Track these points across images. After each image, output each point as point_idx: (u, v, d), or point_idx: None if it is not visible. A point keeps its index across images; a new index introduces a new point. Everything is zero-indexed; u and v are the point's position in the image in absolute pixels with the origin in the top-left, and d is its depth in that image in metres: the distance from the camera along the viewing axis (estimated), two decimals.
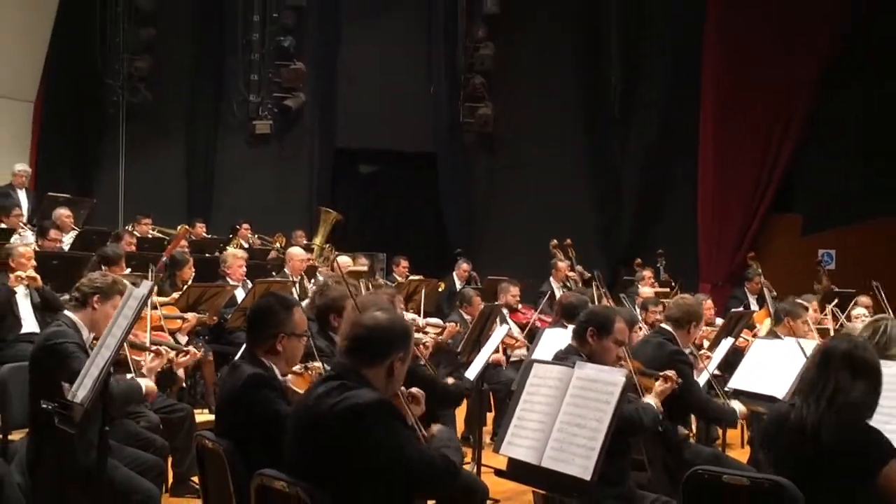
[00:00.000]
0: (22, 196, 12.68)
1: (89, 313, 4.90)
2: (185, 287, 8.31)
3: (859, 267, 14.48)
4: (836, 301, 10.08)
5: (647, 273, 12.54)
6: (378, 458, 3.26)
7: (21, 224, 10.65)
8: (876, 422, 3.75)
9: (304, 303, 8.79)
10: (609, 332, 4.72)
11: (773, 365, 5.64)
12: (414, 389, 3.68)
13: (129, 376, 4.95)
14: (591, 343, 4.74)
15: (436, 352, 8.10)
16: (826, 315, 9.58)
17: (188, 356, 5.78)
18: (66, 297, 6.55)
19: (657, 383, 5.02)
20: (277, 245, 13.56)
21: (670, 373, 5.07)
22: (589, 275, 13.10)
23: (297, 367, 4.35)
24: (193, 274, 8.83)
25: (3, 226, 10.52)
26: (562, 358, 4.68)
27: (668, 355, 5.39)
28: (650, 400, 4.91)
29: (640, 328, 7.75)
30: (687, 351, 5.72)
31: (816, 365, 3.74)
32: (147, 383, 4.97)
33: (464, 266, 13.07)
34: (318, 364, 4.49)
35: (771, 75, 15.51)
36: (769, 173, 15.82)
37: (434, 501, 4.95)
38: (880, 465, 3.51)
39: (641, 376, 5.06)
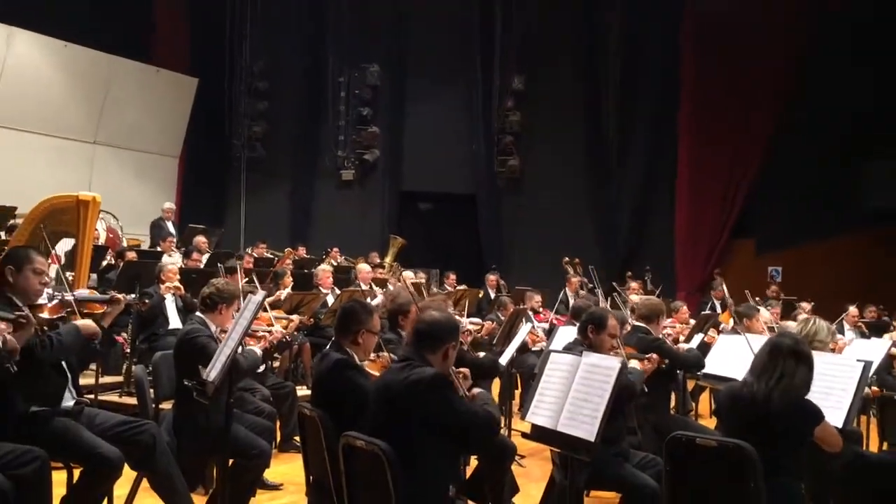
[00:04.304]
0: (170, 226, 12.85)
1: (216, 315, 4.94)
2: (289, 295, 8.37)
3: (800, 279, 14.36)
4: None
5: (634, 284, 12.41)
6: (436, 416, 3.30)
7: (172, 249, 10.74)
8: (815, 398, 3.72)
9: (374, 302, 8.90)
10: (604, 327, 4.74)
11: (733, 355, 5.61)
12: (463, 369, 3.72)
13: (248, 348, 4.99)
14: (591, 336, 4.74)
15: (473, 344, 8.10)
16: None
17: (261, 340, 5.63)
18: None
19: (646, 363, 5.07)
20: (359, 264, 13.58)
21: (654, 356, 5.12)
22: (592, 285, 13.01)
23: (371, 356, 4.39)
24: (292, 282, 8.84)
25: (160, 249, 10.64)
26: (570, 348, 4.68)
27: (649, 343, 5.40)
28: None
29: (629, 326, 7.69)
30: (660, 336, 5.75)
31: (767, 354, 3.72)
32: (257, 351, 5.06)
33: (491, 277, 12.95)
34: (386, 354, 4.53)
35: (733, 133, 15.32)
36: (730, 208, 15.59)
37: (476, 456, 4.98)
38: (814, 426, 3.58)
39: (633, 358, 5.11)
